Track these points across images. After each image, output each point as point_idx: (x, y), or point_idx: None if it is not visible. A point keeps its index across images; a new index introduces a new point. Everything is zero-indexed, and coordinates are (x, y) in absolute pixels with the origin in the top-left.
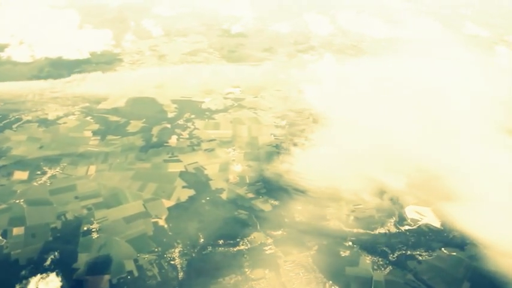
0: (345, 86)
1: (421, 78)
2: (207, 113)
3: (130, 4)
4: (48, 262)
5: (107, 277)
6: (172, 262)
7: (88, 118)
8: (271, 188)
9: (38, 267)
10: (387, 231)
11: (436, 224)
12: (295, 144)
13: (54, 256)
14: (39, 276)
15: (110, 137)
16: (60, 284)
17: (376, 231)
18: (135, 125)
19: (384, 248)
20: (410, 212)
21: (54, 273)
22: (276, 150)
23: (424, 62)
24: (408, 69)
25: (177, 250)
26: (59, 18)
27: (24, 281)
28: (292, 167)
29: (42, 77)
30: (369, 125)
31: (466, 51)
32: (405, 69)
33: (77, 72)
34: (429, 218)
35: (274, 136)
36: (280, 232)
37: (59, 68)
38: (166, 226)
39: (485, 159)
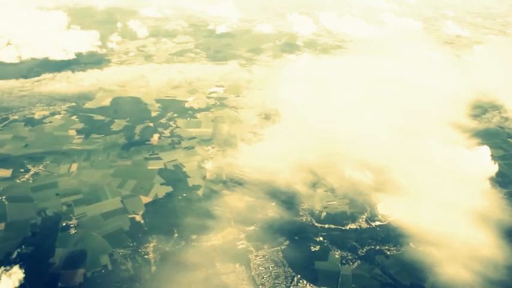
0: (318, 84)
1: (391, 77)
2: (189, 111)
3: (119, 6)
4: (14, 255)
5: (81, 271)
6: (146, 256)
7: (73, 117)
8: (247, 184)
9: (3, 261)
10: (358, 227)
11: (407, 219)
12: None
13: (21, 249)
14: (2, 268)
15: (93, 135)
16: (23, 275)
17: (348, 227)
18: (118, 124)
19: (354, 243)
20: (381, 208)
21: (17, 266)
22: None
23: (397, 62)
24: (380, 68)
25: (151, 245)
26: (47, 20)
27: None
28: (271, 164)
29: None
30: (324, 121)
31: (442, 51)
32: (377, 69)
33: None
34: (400, 214)
35: (253, 134)
36: (252, 227)
37: (47, 69)
38: (142, 222)
39: (434, 154)
